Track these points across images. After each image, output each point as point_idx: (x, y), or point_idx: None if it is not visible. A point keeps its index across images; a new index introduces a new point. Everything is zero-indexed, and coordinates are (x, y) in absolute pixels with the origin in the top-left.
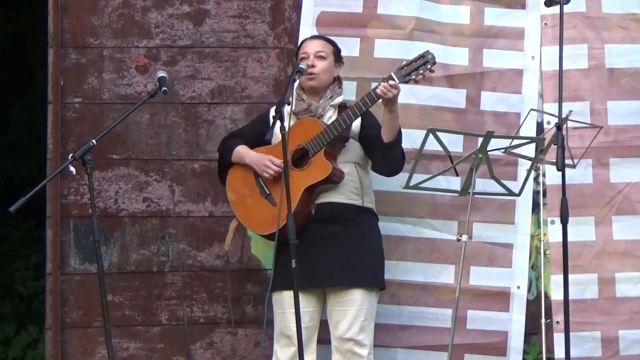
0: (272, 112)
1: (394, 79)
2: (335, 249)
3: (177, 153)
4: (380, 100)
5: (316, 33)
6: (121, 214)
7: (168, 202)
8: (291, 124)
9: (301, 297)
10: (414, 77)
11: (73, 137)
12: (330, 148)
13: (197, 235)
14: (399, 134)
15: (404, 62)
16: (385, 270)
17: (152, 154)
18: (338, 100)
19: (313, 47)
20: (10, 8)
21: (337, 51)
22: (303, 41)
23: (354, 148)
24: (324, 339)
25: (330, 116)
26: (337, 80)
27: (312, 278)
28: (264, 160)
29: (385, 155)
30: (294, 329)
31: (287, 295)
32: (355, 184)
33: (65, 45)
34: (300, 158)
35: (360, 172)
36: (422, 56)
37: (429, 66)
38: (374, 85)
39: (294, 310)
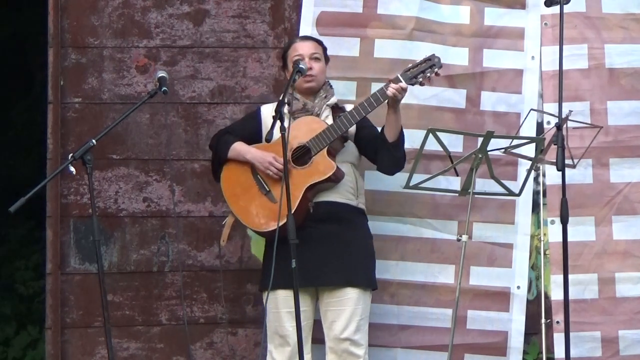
0: (264, 111)
1: (401, 81)
2: (331, 248)
3: (177, 153)
4: (387, 101)
5: (316, 33)
6: (121, 214)
7: (168, 202)
8: (288, 123)
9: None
10: (420, 79)
11: (73, 137)
12: (331, 147)
13: (197, 235)
14: (402, 133)
15: (410, 65)
16: (385, 270)
17: (152, 154)
18: (333, 100)
19: (308, 48)
20: (10, 8)
21: (325, 51)
22: (293, 42)
23: (350, 148)
24: (318, 339)
25: (327, 116)
26: (327, 80)
27: (308, 276)
28: (268, 158)
29: (390, 154)
30: (290, 328)
31: (282, 295)
32: (352, 184)
33: (65, 45)
34: (302, 156)
35: (355, 173)
36: (428, 59)
37: (435, 69)
38: (374, 85)
39: (288, 309)
